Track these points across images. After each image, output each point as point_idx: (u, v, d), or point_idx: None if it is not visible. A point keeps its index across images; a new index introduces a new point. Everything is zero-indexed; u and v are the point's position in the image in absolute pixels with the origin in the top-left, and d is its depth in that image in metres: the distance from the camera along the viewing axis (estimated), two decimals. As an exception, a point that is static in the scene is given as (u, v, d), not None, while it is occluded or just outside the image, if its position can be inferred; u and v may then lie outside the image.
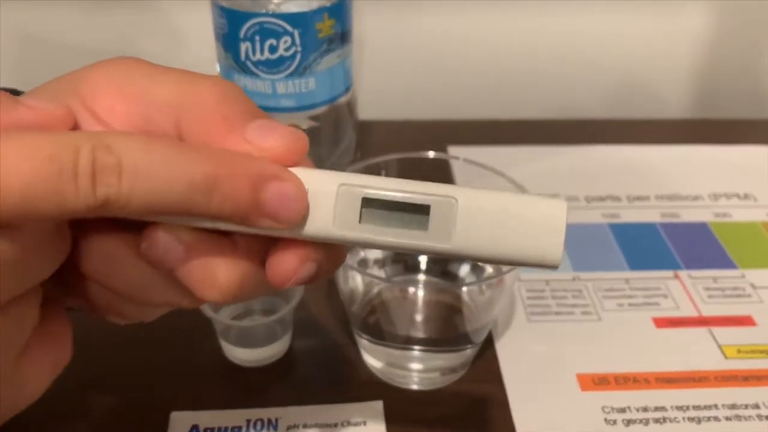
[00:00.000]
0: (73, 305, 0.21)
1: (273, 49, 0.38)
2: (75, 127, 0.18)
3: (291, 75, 0.39)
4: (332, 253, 0.19)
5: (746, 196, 0.46)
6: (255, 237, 0.19)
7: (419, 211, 0.18)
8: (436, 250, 0.18)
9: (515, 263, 0.18)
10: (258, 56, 0.38)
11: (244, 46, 0.38)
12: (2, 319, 0.17)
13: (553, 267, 0.18)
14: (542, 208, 0.18)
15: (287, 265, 0.18)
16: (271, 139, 0.18)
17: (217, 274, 0.18)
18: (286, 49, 0.38)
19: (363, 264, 0.35)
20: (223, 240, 0.19)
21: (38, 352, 0.19)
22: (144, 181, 0.16)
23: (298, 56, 0.38)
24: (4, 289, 0.16)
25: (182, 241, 0.18)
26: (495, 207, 0.18)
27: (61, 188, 0.15)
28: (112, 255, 0.18)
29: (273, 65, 0.38)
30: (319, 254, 0.19)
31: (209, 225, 0.18)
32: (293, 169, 0.18)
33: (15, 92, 0.21)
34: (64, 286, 0.20)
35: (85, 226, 0.18)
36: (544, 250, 0.18)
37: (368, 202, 0.18)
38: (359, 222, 0.18)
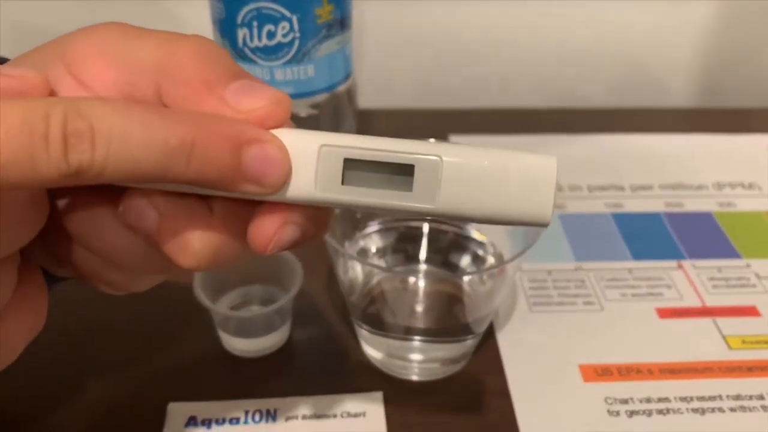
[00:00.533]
0: (64, 274, 0.20)
1: (271, 35, 0.37)
2: (53, 94, 0.18)
3: (289, 62, 0.38)
4: (316, 216, 0.19)
5: (751, 186, 0.46)
6: (234, 201, 0.18)
7: (403, 171, 0.18)
8: (422, 210, 0.18)
9: (504, 222, 0.18)
10: (256, 43, 0.38)
11: (241, 33, 0.38)
12: None
13: (543, 225, 0.18)
14: (531, 164, 0.18)
15: (267, 228, 0.18)
16: (250, 100, 0.17)
17: (191, 242, 0.18)
18: (284, 35, 0.37)
19: (363, 253, 0.35)
20: (199, 205, 0.18)
21: (14, 316, 0.19)
22: (118, 146, 0.15)
23: (297, 42, 0.38)
24: None
25: (157, 207, 0.18)
26: (481, 164, 0.17)
27: (32, 155, 0.15)
28: (96, 218, 0.18)
29: (271, 52, 0.38)
30: (301, 217, 0.18)
31: (190, 190, 0.18)
32: (273, 131, 0.18)
33: (1, 60, 0.21)
34: (52, 253, 0.19)
35: (71, 187, 0.18)
36: (534, 208, 0.17)
37: (351, 163, 0.18)
38: (342, 184, 0.18)
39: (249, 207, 0.18)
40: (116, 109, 0.15)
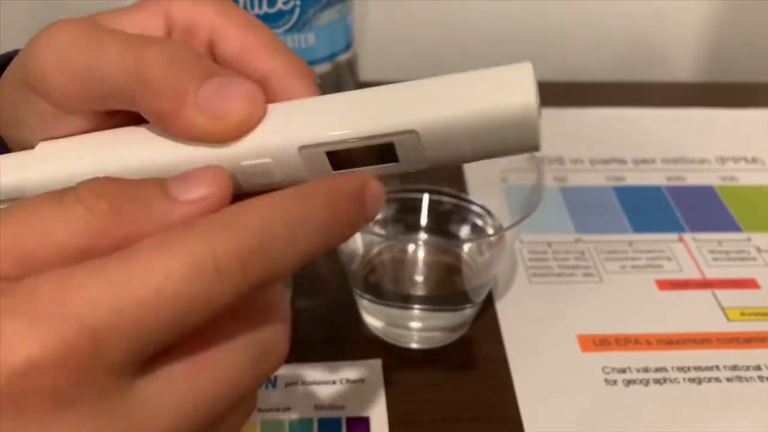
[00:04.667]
0: None
1: (272, 2, 0.37)
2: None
3: (290, 30, 0.38)
4: None
5: (753, 160, 0.46)
6: None
7: (386, 148, 0.18)
8: (416, 169, 0.18)
9: (497, 156, 0.18)
10: (256, 10, 0.37)
11: (241, 1, 0.37)
12: None
13: (534, 149, 0.17)
14: (503, 85, 0.17)
15: None
16: (224, 104, 0.17)
17: None
18: (285, 3, 0.37)
19: (363, 223, 0.35)
20: None
21: None
22: (287, 252, 0.15)
23: (297, 10, 0.37)
24: None
25: None
26: (456, 115, 0.17)
27: (207, 296, 0.14)
28: None
29: (271, 19, 0.38)
30: None
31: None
32: (255, 135, 0.17)
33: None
34: None
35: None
36: (519, 134, 0.17)
37: (334, 153, 0.18)
38: (333, 169, 0.18)
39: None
40: (275, 214, 0.15)
